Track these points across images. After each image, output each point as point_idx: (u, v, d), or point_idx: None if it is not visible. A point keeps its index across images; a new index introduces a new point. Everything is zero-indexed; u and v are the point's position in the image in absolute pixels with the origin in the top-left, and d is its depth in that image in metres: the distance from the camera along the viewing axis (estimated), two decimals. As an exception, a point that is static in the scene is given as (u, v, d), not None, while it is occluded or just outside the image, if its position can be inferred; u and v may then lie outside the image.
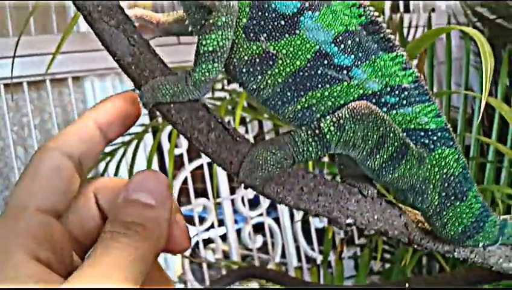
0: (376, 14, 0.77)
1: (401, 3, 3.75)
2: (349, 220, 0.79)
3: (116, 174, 2.12)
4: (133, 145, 2.16)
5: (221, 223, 3.31)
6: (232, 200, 3.26)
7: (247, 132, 3.19)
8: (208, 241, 3.32)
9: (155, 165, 2.79)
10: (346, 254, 3.39)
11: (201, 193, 3.26)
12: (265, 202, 3.37)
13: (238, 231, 3.37)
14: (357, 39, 0.75)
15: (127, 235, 0.61)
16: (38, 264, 0.61)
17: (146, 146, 2.64)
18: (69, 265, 0.63)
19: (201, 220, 3.19)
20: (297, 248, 3.49)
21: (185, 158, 3.05)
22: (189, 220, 3.13)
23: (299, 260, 3.48)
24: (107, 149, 2.32)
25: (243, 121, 2.96)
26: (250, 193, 3.31)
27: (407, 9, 3.79)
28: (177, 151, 2.90)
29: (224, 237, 3.34)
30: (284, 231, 3.40)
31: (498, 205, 1.96)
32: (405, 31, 3.36)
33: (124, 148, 2.19)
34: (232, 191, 3.29)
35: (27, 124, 2.56)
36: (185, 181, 3.08)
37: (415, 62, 3.13)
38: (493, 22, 3.60)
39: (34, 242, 0.62)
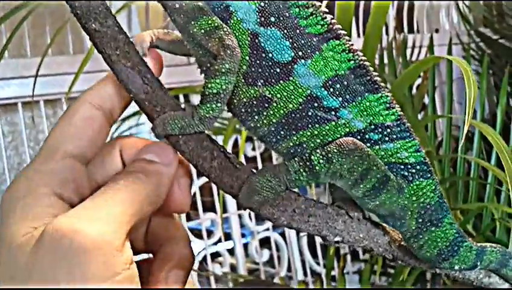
0: (364, 58, 0.87)
1: (405, 23, 3.83)
2: (337, 238, 0.89)
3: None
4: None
5: (228, 237, 3.39)
6: (239, 215, 3.35)
7: (254, 149, 3.28)
8: (215, 255, 3.40)
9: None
10: (351, 268, 3.47)
11: (209, 205, 3.34)
12: (271, 217, 3.44)
13: (245, 245, 3.45)
14: (345, 82, 0.85)
15: (126, 179, 0.71)
16: (59, 200, 0.70)
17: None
18: None
19: (209, 233, 3.27)
20: (303, 262, 3.56)
21: (194, 174, 3.15)
22: (198, 233, 3.22)
23: (305, 273, 3.55)
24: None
25: (250, 138, 3.05)
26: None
27: (411, 30, 3.87)
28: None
29: (231, 251, 3.42)
30: (290, 245, 3.48)
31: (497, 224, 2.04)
32: (409, 51, 3.46)
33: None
34: (239, 206, 3.37)
35: (43, 140, 2.67)
36: (194, 195, 3.17)
37: (418, 81, 3.22)
38: (496, 42, 3.68)
39: (59, 182, 0.71)
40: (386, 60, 2.85)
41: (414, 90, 3.05)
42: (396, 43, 3.32)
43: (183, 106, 0.87)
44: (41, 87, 2.20)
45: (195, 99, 2.97)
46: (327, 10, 0.87)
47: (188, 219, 3.27)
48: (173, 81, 2.72)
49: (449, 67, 2.45)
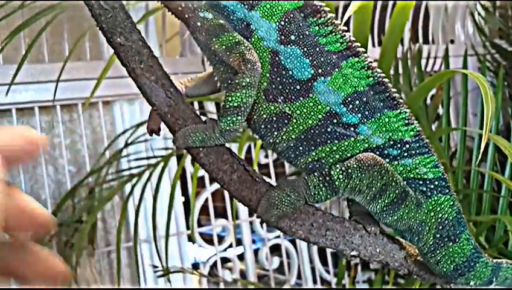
0: (383, 74, 0.88)
1: (420, 34, 3.83)
2: (353, 253, 0.90)
3: (141, 196, 2.23)
4: (159, 168, 2.28)
5: (239, 243, 3.39)
6: (251, 222, 3.35)
7: (267, 156, 3.29)
8: (225, 261, 3.41)
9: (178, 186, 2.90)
10: (361, 278, 3.46)
11: (221, 211, 3.35)
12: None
13: (256, 252, 3.45)
14: (364, 99, 0.87)
15: None
16: None
17: (170, 170, 2.76)
18: None
19: (220, 239, 3.28)
20: (313, 270, 3.56)
21: (207, 180, 3.16)
22: (209, 239, 3.23)
23: (315, 281, 3.54)
24: (134, 171, 2.45)
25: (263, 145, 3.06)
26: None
27: (426, 40, 3.87)
28: (199, 173, 3.02)
29: (241, 257, 3.42)
30: (300, 252, 3.48)
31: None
32: (423, 62, 3.46)
33: (150, 171, 2.31)
34: (251, 213, 3.39)
35: (58, 145, 2.70)
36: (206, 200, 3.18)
37: (432, 91, 3.21)
38: (511, 53, 3.67)
39: None
40: (400, 70, 2.86)
41: (428, 100, 3.06)
42: (411, 54, 3.32)
43: (204, 118, 0.89)
44: (58, 92, 2.21)
45: (210, 106, 2.99)
46: (346, 28, 0.89)
47: (199, 225, 3.29)
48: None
49: (464, 80, 2.45)
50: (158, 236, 2.31)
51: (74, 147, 2.80)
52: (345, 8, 3.47)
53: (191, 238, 2.91)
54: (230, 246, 3.32)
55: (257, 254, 3.43)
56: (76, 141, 2.80)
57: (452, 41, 3.95)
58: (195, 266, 3.22)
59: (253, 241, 3.50)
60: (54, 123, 2.70)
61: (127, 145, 2.52)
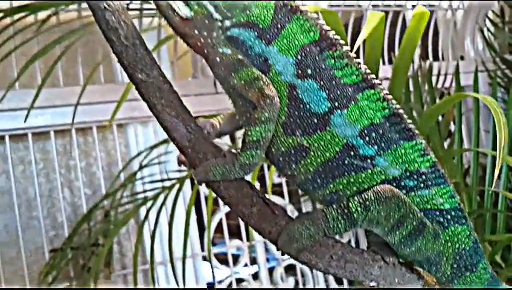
0: (398, 106, 0.89)
1: (429, 51, 3.84)
2: (372, 283, 0.91)
3: (156, 220, 2.25)
4: (174, 190, 2.30)
5: (253, 261, 3.39)
6: (265, 241, 3.35)
7: (280, 175, 3.30)
8: (240, 280, 3.41)
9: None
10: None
11: (235, 229, 3.34)
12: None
13: (270, 271, 3.44)
14: (381, 131, 0.88)
15: None
16: None
17: (184, 192, 2.77)
18: None
19: (235, 258, 3.28)
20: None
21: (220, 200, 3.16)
22: (223, 259, 3.23)
23: (330, 302, 3.53)
24: (149, 193, 2.46)
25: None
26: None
27: (436, 57, 3.87)
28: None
29: (256, 276, 3.42)
30: (315, 272, 3.47)
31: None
32: (434, 79, 3.46)
33: (165, 193, 2.33)
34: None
35: (74, 167, 2.73)
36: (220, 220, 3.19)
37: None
38: (522, 69, 3.67)
39: None
40: (411, 88, 2.86)
41: (440, 117, 3.06)
42: (421, 71, 3.33)
43: (224, 146, 0.91)
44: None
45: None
46: (361, 61, 0.90)
47: (213, 243, 3.29)
48: (202, 110, 2.76)
49: (476, 102, 2.45)
50: (173, 258, 2.32)
51: (89, 170, 2.83)
52: (356, 20, 3.49)
53: (206, 258, 2.92)
54: (245, 265, 3.32)
55: (272, 274, 3.42)
56: (91, 164, 2.83)
57: (462, 58, 3.96)
58: (210, 287, 3.22)
59: (267, 260, 3.50)
60: (69, 146, 2.73)
61: (141, 167, 2.54)
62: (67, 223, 2.64)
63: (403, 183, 0.89)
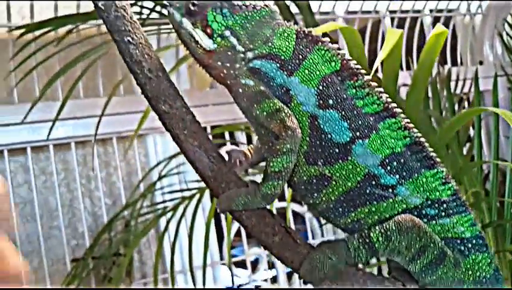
0: (419, 134, 0.90)
1: (448, 56, 3.82)
2: (394, 310, 0.91)
3: (176, 231, 2.27)
4: (193, 200, 2.32)
5: (272, 265, 3.39)
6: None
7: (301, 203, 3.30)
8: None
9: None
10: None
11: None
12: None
13: (289, 275, 3.44)
14: (402, 160, 0.89)
15: None
16: None
17: (203, 203, 2.79)
18: None
19: (253, 264, 3.28)
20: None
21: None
22: (241, 263, 3.24)
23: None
24: (168, 203, 2.49)
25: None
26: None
27: (454, 62, 3.85)
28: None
29: (274, 279, 3.42)
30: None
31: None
32: (452, 84, 3.45)
33: (185, 204, 2.35)
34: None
35: (94, 178, 2.76)
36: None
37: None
38: (541, 73, 3.64)
39: None
40: (430, 94, 2.85)
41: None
42: (440, 77, 3.31)
43: (249, 173, 0.92)
44: (94, 127, 2.27)
45: (240, 136, 3.02)
46: (382, 89, 0.91)
47: (232, 246, 3.30)
48: (219, 119, 2.78)
49: (496, 119, 2.43)
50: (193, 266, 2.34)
51: (109, 180, 2.86)
52: (374, 25, 3.48)
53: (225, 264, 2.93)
54: (264, 270, 3.32)
55: (291, 278, 3.42)
56: (111, 174, 2.86)
57: (481, 63, 3.93)
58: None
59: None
60: (90, 157, 2.76)
61: (160, 178, 2.56)
62: (88, 233, 2.67)
63: (424, 212, 0.90)
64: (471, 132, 3.23)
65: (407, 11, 3.67)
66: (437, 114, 2.79)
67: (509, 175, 2.25)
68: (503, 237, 2.33)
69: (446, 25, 3.83)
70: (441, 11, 3.84)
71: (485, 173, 2.87)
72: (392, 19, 3.70)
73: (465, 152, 2.81)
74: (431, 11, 3.84)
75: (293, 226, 3.14)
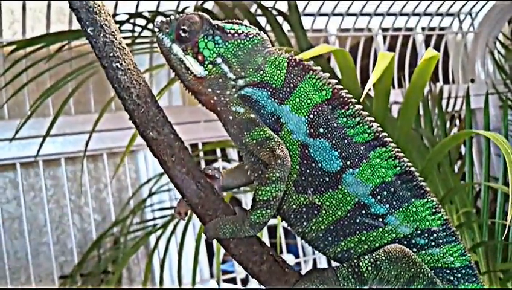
0: (410, 163, 0.89)
1: (440, 74, 3.84)
2: (383, 340, 0.90)
3: (166, 249, 2.25)
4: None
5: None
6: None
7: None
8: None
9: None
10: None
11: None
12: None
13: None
14: (392, 189, 0.88)
15: None
16: None
17: (193, 219, 2.77)
18: None
19: (244, 280, 3.26)
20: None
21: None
22: (232, 279, 3.22)
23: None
24: (158, 221, 2.47)
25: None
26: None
27: (446, 80, 3.87)
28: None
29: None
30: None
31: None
32: (444, 102, 3.45)
33: (174, 222, 2.33)
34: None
35: (84, 193, 2.74)
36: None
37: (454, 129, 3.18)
38: (533, 91, 3.66)
39: None
40: (421, 111, 2.85)
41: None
42: (432, 95, 3.32)
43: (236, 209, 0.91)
44: (84, 143, 2.26)
45: (232, 152, 3.02)
46: (373, 118, 0.90)
47: (223, 261, 3.28)
48: (210, 136, 2.77)
49: (487, 139, 2.43)
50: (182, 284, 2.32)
51: (99, 196, 2.84)
52: (366, 41, 3.48)
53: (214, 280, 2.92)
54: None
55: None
56: (101, 190, 2.84)
57: (472, 80, 3.95)
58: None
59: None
60: (79, 173, 2.74)
61: (150, 194, 2.55)
62: (77, 249, 2.64)
63: (413, 242, 0.89)
64: (463, 149, 3.24)
65: (399, 29, 3.69)
66: (428, 133, 2.79)
67: (500, 197, 2.26)
68: (494, 256, 2.33)
69: (438, 42, 3.85)
70: (433, 29, 3.86)
71: (477, 191, 2.87)
72: (385, 37, 3.71)
73: (456, 169, 2.82)
74: (423, 29, 3.86)
75: (283, 242, 3.13)
